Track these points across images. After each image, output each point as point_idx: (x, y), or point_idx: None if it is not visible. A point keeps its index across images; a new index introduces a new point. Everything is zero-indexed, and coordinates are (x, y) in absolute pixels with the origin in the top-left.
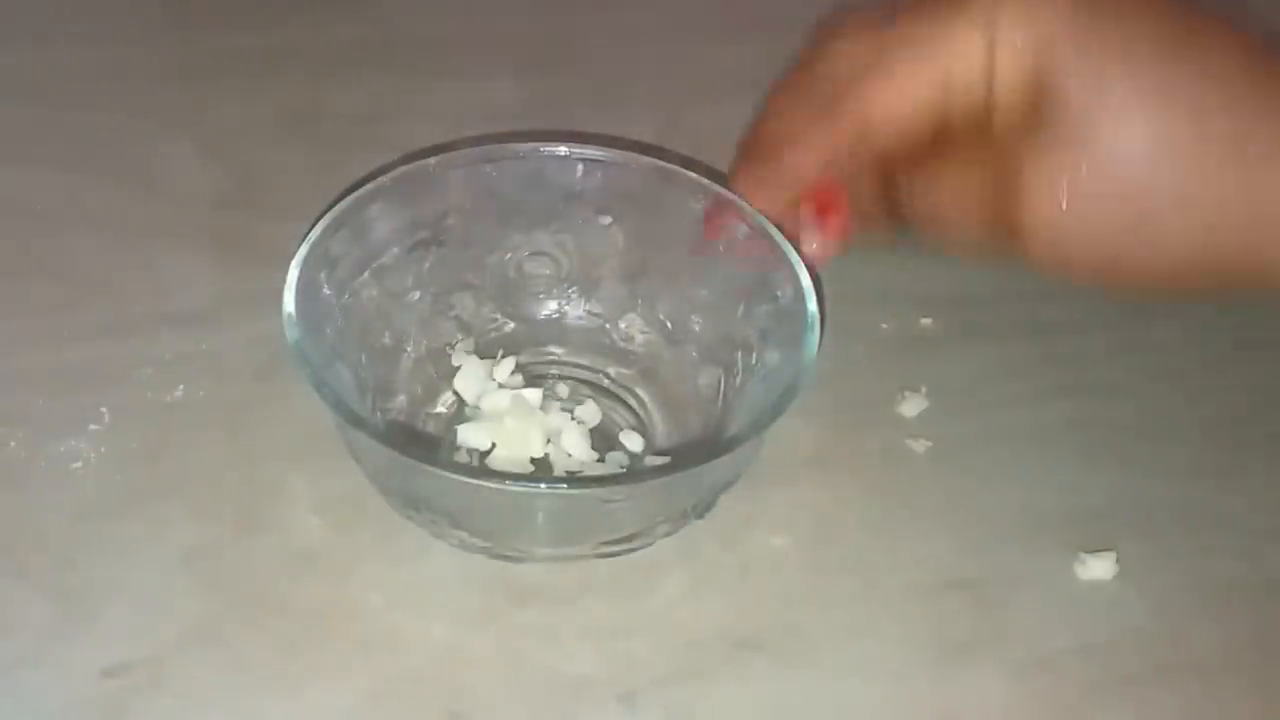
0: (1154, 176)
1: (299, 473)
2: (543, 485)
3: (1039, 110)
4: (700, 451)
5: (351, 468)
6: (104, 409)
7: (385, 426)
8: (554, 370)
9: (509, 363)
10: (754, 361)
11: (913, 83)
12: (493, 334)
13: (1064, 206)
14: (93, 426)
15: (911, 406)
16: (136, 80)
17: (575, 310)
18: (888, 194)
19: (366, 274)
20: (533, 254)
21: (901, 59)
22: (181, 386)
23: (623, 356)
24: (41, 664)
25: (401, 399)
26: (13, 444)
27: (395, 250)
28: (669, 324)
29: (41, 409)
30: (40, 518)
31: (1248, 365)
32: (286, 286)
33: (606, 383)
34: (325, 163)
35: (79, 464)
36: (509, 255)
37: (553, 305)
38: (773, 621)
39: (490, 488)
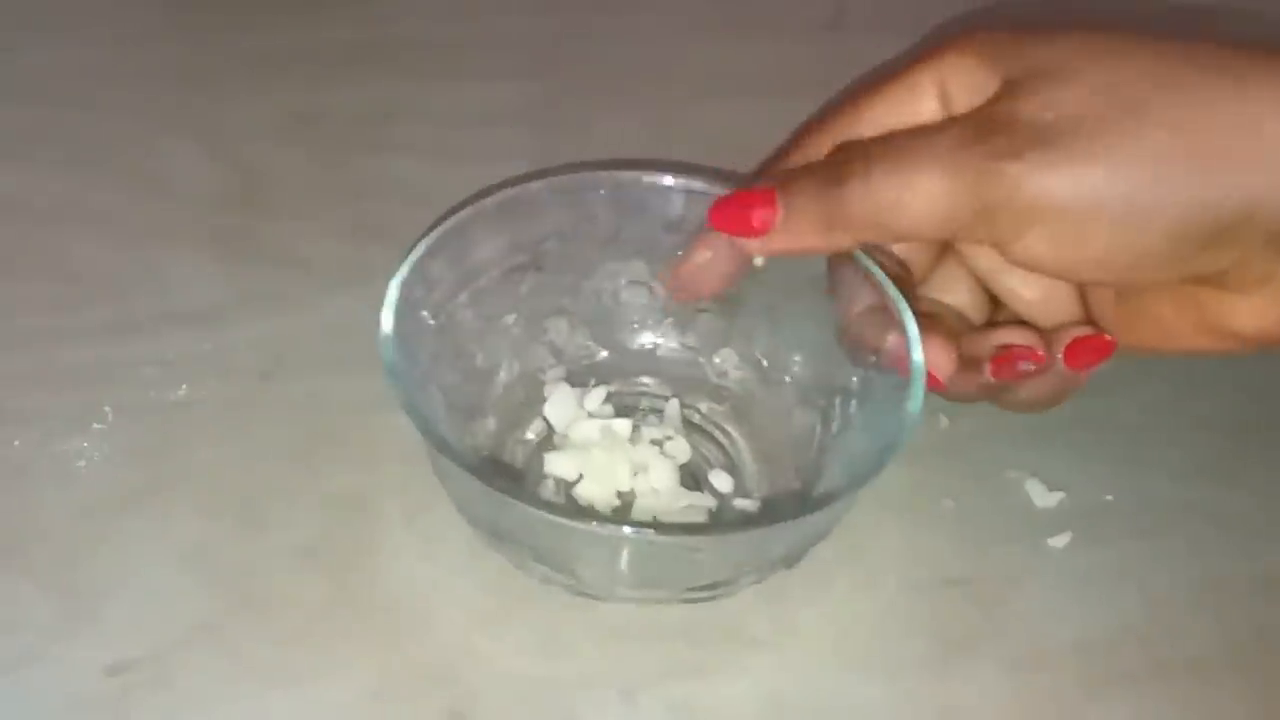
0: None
1: (302, 471)
2: (626, 529)
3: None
4: (790, 506)
5: (356, 467)
6: (107, 408)
7: (475, 457)
8: (644, 403)
9: (600, 392)
10: (852, 410)
11: (896, 87)
12: (584, 361)
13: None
14: (96, 425)
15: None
16: (139, 80)
17: (669, 342)
18: None
19: (464, 295)
20: (630, 283)
21: (890, 74)
22: (185, 386)
23: (715, 392)
24: (45, 662)
25: (491, 422)
26: (16, 443)
27: (493, 273)
28: (764, 362)
29: (45, 408)
30: (44, 516)
31: (1248, 364)
32: (385, 306)
33: (698, 419)
34: (327, 163)
35: (82, 463)
36: (605, 283)
37: (647, 336)
38: (772, 618)
39: (575, 527)
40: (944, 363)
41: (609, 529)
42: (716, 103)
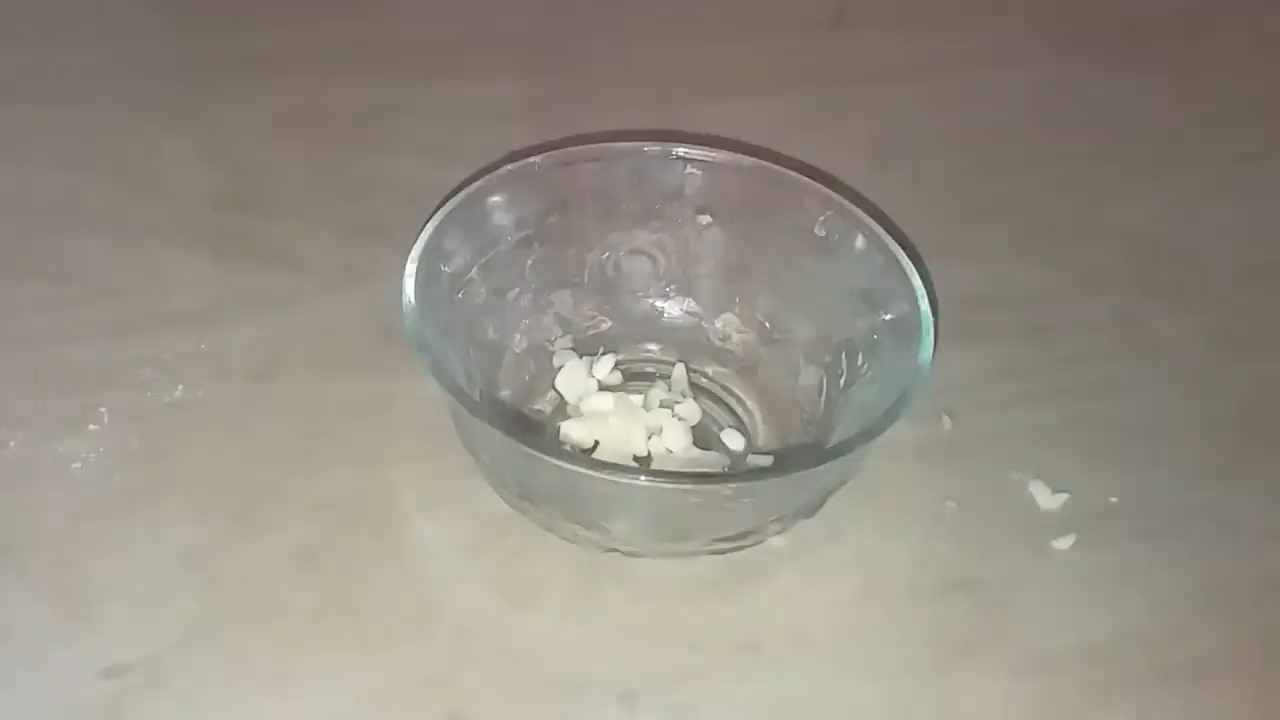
0: None
1: (298, 473)
2: (687, 484)
3: None
4: (819, 453)
5: (353, 468)
6: (103, 409)
7: (505, 416)
8: (649, 368)
9: (608, 360)
10: (860, 363)
11: None
12: (590, 332)
13: None
14: (92, 426)
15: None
16: (136, 80)
17: (673, 309)
18: None
19: (474, 270)
20: (630, 252)
21: None
22: (181, 386)
23: (720, 355)
24: (41, 664)
25: (506, 394)
26: (12, 444)
27: (501, 247)
28: (767, 324)
29: (41, 409)
30: (39, 518)
31: (1249, 365)
32: (406, 276)
33: (705, 382)
34: (325, 162)
35: (78, 464)
36: (606, 254)
37: (650, 303)
38: (773, 621)
39: (613, 481)
40: None
41: (645, 481)
42: (717, 102)
